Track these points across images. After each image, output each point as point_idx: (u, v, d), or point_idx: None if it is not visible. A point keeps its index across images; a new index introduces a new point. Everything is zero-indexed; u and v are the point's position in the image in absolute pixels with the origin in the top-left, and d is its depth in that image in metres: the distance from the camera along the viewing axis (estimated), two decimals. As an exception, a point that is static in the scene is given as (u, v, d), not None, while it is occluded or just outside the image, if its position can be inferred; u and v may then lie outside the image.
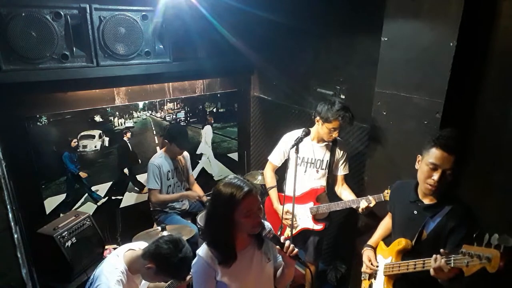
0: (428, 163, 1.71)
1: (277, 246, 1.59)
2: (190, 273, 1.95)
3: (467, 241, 1.47)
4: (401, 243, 1.88)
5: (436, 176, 1.69)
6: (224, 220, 1.53)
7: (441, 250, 1.57)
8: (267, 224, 1.69)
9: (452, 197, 1.80)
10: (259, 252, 1.69)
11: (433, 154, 1.69)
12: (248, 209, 1.51)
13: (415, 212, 1.86)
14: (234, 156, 4.52)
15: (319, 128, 2.61)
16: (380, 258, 2.08)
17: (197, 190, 3.63)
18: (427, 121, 2.19)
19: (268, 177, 2.95)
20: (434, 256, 1.59)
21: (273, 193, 2.89)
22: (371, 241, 2.24)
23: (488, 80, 2.03)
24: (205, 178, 4.23)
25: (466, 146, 1.73)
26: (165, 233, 2.67)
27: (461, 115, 2.15)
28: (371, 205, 2.42)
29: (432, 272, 1.58)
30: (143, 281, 2.27)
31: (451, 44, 1.98)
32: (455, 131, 1.73)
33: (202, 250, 1.64)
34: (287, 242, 1.57)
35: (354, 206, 2.53)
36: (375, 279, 2.07)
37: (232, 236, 1.58)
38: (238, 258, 1.60)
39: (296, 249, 1.59)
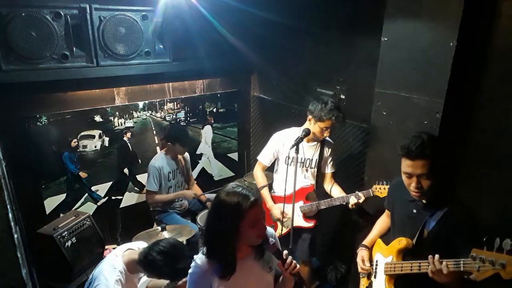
0: (403, 172, 1.76)
1: (279, 261, 1.55)
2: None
3: (474, 242, 1.46)
4: (401, 242, 1.87)
5: (413, 183, 1.72)
6: (229, 232, 1.45)
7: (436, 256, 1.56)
8: (271, 232, 1.64)
9: (449, 196, 1.80)
10: (260, 261, 1.62)
11: (404, 164, 1.74)
12: (255, 218, 1.45)
13: (414, 211, 1.86)
14: (234, 156, 4.52)
15: (312, 127, 2.62)
16: (379, 257, 2.08)
17: (196, 190, 3.63)
18: (427, 121, 2.19)
19: (258, 176, 2.93)
20: (430, 257, 1.59)
21: (266, 192, 2.89)
22: (366, 241, 2.24)
23: (488, 80, 2.03)
24: (205, 178, 4.24)
25: (440, 147, 1.72)
26: (165, 233, 2.68)
27: (461, 115, 2.15)
28: (361, 201, 2.46)
29: (430, 273, 1.59)
30: (142, 280, 2.28)
31: (451, 44, 1.98)
32: (421, 137, 1.71)
33: (201, 258, 1.56)
34: (289, 258, 1.53)
35: (344, 203, 2.56)
36: (375, 277, 2.07)
37: (235, 249, 1.50)
38: (237, 268, 1.52)
39: (298, 266, 1.55)
